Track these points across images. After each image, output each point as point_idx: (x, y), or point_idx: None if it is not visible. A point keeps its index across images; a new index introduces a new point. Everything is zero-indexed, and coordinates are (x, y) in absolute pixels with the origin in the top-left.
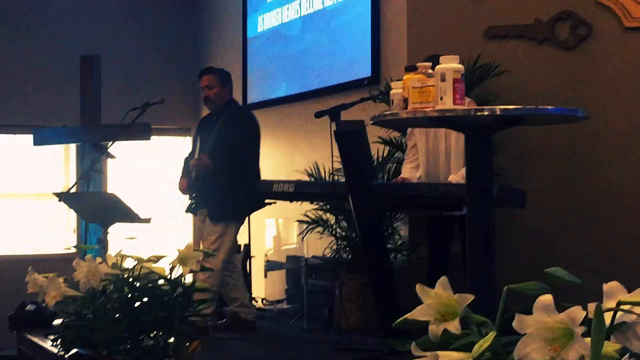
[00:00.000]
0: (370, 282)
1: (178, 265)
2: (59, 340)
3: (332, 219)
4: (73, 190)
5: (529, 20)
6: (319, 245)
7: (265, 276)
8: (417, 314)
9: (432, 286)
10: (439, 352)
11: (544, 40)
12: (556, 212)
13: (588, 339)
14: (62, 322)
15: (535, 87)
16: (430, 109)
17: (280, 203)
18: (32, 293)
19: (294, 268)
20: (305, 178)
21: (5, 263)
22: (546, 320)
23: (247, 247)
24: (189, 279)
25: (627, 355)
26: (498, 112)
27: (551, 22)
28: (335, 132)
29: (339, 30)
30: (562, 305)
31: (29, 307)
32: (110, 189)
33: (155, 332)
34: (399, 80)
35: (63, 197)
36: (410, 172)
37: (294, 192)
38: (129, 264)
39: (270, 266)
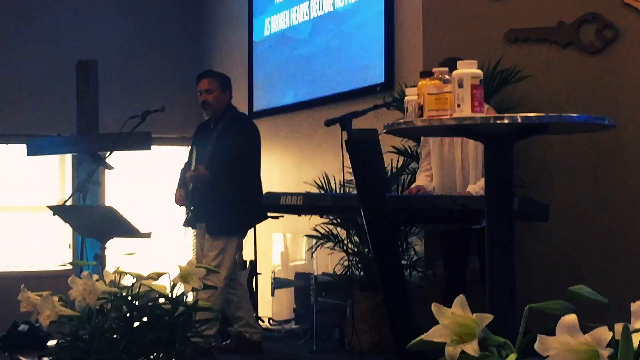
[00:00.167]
0: (383, 300)
1: (179, 282)
2: None
3: (343, 233)
4: (69, 203)
5: (552, 23)
6: (329, 262)
7: (273, 294)
8: (433, 334)
9: (449, 305)
10: None
11: (568, 44)
12: (580, 226)
13: None
14: (56, 343)
15: (558, 93)
16: (447, 116)
17: (288, 217)
18: (25, 312)
19: (303, 286)
20: (315, 190)
21: None
22: (570, 341)
23: (253, 263)
24: (190, 297)
25: None
26: (519, 120)
27: (576, 25)
28: (346, 141)
29: (351, 34)
30: (587, 325)
31: (22, 327)
32: (108, 202)
33: (155, 354)
34: (413, 86)
35: (58, 210)
36: (425, 180)
37: (303, 205)
38: (127, 281)
39: (278, 284)
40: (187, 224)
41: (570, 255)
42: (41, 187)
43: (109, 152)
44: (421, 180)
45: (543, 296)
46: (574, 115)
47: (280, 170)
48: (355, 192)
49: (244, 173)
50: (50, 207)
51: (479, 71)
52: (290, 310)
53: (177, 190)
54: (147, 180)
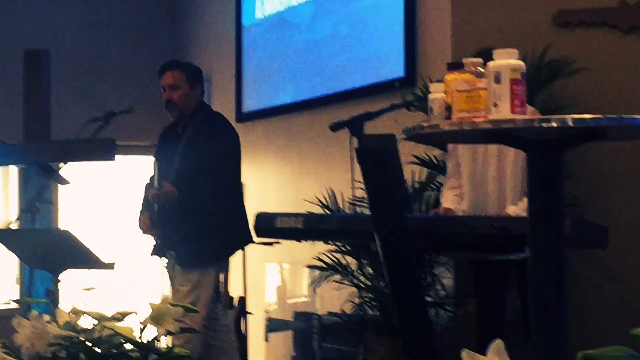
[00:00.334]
0: (404, 346)
1: (151, 324)
2: None
3: (353, 263)
4: (14, 226)
5: (612, 3)
6: (336, 299)
7: (267, 339)
8: None
9: (483, 351)
10: None
11: (632, 28)
12: None
13: None
14: None
15: (619, 89)
16: (480, 119)
17: (285, 243)
18: None
19: (304, 328)
20: (318, 210)
21: None
22: None
23: (242, 300)
24: (164, 342)
25: None
26: (570, 123)
27: None
28: (357, 149)
29: (363, 17)
30: None
31: None
32: (62, 225)
33: None
34: (440, 81)
35: (1, 235)
36: (454, 202)
37: (304, 228)
38: (86, 322)
39: (273, 326)
40: (155, 252)
41: (634, 290)
42: None
43: (63, 164)
44: (448, 200)
45: (600, 340)
46: (638, 117)
47: (275, 185)
48: (368, 212)
49: (221, 188)
50: None
51: (521, 63)
52: (289, 359)
53: (140, 214)
54: (111, 198)
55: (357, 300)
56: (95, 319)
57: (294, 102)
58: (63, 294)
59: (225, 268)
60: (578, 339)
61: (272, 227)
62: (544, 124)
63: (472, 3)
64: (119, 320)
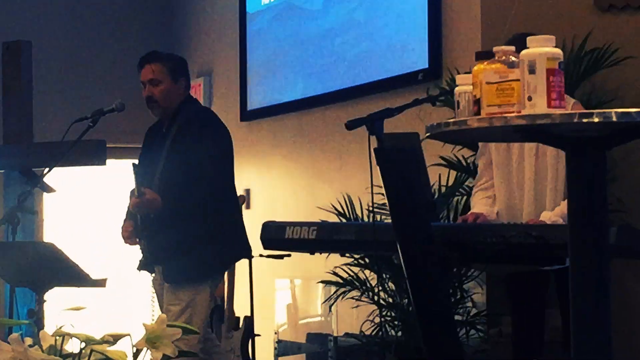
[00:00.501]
0: None
1: (145, 348)
2: None
3: (372, 278)
4: None
5: None
6: (354, 318)
7: None
8: None
9: None
10: None
11: None
12: None
13: None
14: None
15: None
16: (513, 114)
17: (296, 256)
18: None
19: (318, 351)
20: (333, 218)
21: None
22: None
23: (249, 321)
24: None
25: None
26: (614, 118)
27: None
28: (376, 149)
29: (382, 1)
30: None
31: None
32: (47, 238)
33: None
34: (468, 72)
35: None
36: (485, 204)
37: (317, 239)
38: (73, 346)
39: (284, 349)
40: (141, 267)
41: None
42: None
43: (48, 169)
44: (479, 204)
45: None
46: None
47: (285, 190)
48: (389, 220)
49: (211, 194)
50: None
51: (558, 51)
52: None
53: (124, 223)
54: (101, 208)
55: (377, 320)
56: (84, 342)
57: (305, 97)
58: (47, 315)
59: (219, 284)
60: (624, 357)
61: (282, 238)
62: (584, 119)
63: None
64: (110, 343)
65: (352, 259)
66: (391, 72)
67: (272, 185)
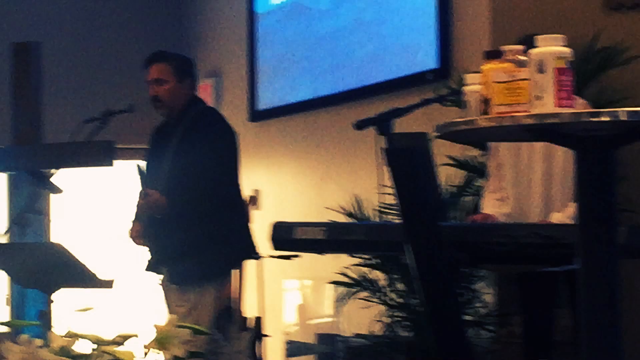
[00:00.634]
0: None
1: (155, 349)
2: None
3: (382, 278)
4: (2, 240)
5: None
6: (363, 318)
7: None
8: None
9: None
10: None
11: None
12: None
13: None
14: None
15: None
16: (522, 113)
17: (305, 257)
18: None
19: (328, 352)
20: (342, 218)
21: None
22: None
23: (258, 322)
24: None
25: None
26: (624, 118)
27: None
28: (385, 150)
29: (391, 2)
30: None
31: None
32: (55, 239)
33: None
34: (476, 72)
35: None
36: (495, 206)
37: (326, 239)
38: (82, 347)
39: (293, 350)
40: (149, 268)
41: None
42: None
43: (56, 170)
44: (488, 205)
45: None
46: None
47: (294, 191)
48: (398, 220)
49: (217, 194)
50: None
51: (567, 49)
52: None
53: (132, 224)
54: (109, 208)
55: (387, 320)
56: (93, 343)
57: (314, 98)
58: (57, 316)
59: (226, 285)
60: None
61: (291, 238)
62: (593, 119)
63: None
64: (119, 344)
65: (362, 260)
66: (400, 72)
67: (281, 186)
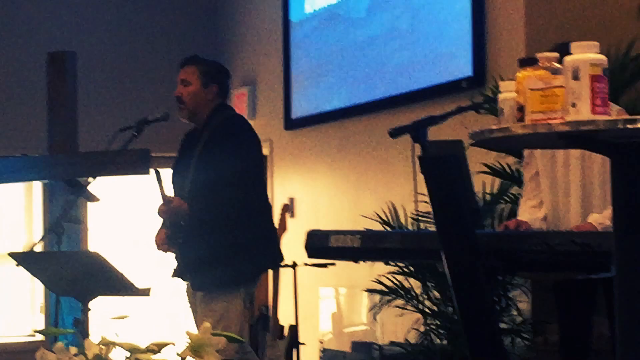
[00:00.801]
0: None
1: (190, 357)
2: None
3: (417, 286)
4: (38, 248)
5: None
6: (399, 326)
7: None
8: None
9: None
10: None
11: None
12: None
13: None
14: None
15: None
16: (557, 120)
17: (340, 265)
18: None
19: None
20: (378, 227)
21: None
22: None
23: (294, 330)
24: None
25: None
26: None
27: None
28: (420, 157)
29: (425, 9)
30: None
31: None
32: (92, 247)
33: None
34: (511, 79)
35: (24, 259)
36: (531, 213)
37: (361, 247)
38: (118, 355)
39: (329, 357)
40: (175, 274)
41: None
42: (0, 228)
43: (92, 178)
44: (524, 212)
45: None
46: None
47: (329, 199)
48: (433, 228)
49: (241, 201)
50: (13, 255)
51: (602, 57)
52: None
53: (159, 231)
54: (145, 216)
55: (422, 328)
56: (128, 351)
57: (349, 106)
58: (92, 324)
59: (252, 293)
60: None
61: (326, 246)
62: (629, 125)
63: None
64: (155, 352)
65: (397, 268)
66: (435, 80)
67: (316, 194)
